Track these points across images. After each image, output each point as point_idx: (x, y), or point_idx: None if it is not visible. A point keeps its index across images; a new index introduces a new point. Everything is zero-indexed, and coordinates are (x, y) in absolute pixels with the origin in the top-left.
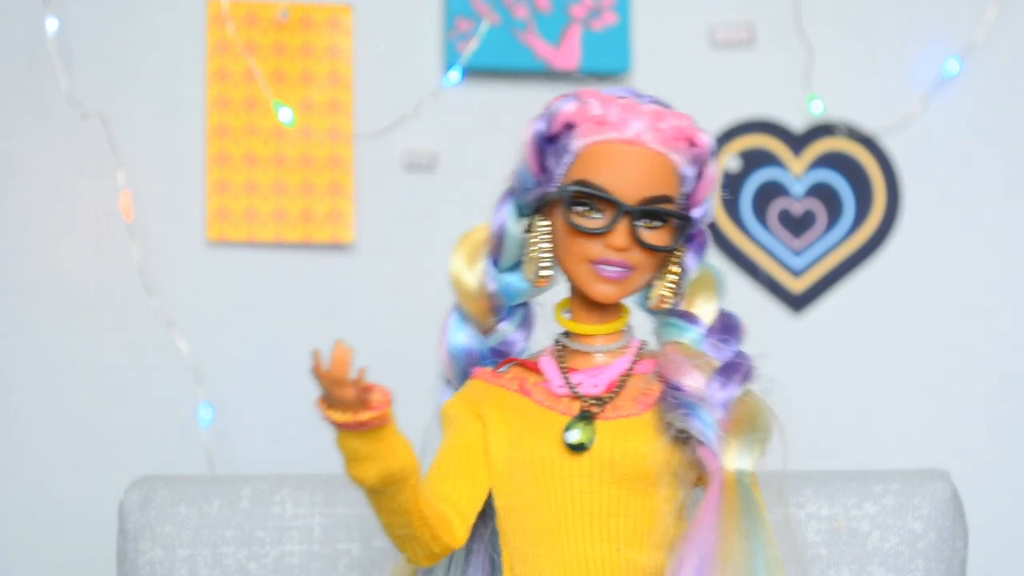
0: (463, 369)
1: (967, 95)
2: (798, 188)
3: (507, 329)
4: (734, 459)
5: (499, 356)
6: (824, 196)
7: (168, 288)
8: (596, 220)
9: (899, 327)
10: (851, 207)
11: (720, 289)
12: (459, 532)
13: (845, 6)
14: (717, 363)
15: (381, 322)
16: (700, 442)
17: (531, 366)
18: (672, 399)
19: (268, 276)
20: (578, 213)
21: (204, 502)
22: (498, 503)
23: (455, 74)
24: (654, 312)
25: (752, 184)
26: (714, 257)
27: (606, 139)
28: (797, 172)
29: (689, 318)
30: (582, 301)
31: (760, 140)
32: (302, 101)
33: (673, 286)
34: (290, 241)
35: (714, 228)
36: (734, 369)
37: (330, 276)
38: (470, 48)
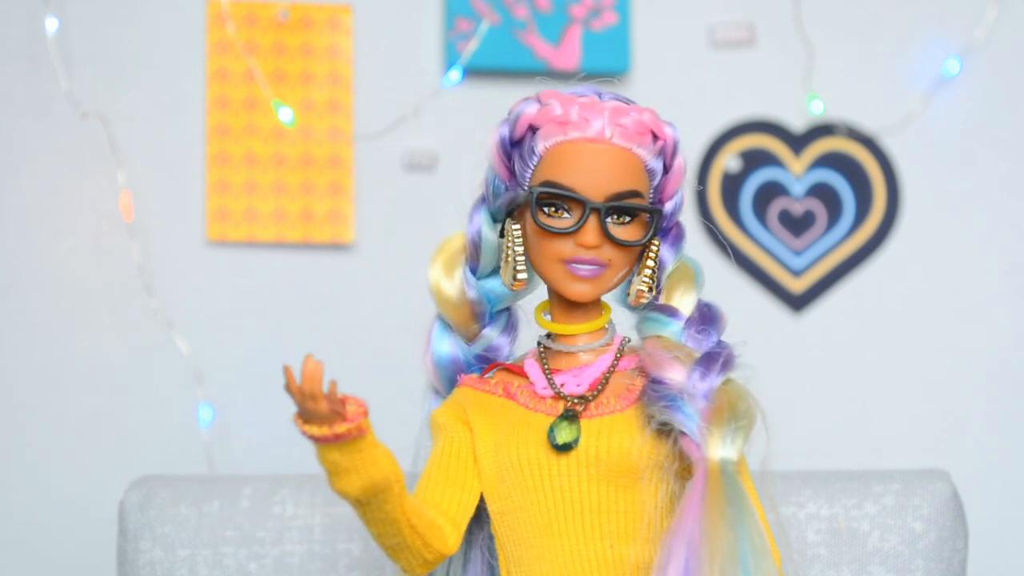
0: (450, 377)
1: (967, 95)
2: (798, 188)
3: (491, 335)
4: (717, 448)
5: (485, 362)
6: (824, 196)
7: (168, 288)
8: (565, 220)
9: (899, 327)
10: (851, 207)
11: (698, 281)
12: (451, 539)
13: (845, 6)
14: (697, 354)
15: (381, 322)
16: (683, 434)
17: (516, 370)
18: (653, 392)
19: (268, 276)
20: (547, 214)
21: (204, 502)
22: (490, 508)
23: (455, 74)
24: (634, 308)
25: (752, 184)
26: (714, 257)
27: (569, 139)
28: (797, 172)
29: (668, 311)
30: (561, 302)
31: (760, 140)
32: (302, 101)
33: (649, 280)
34: (290, 241)
35: (714, 228)
36: (713, 359)
37: (330, 276)
38: (470, 48)
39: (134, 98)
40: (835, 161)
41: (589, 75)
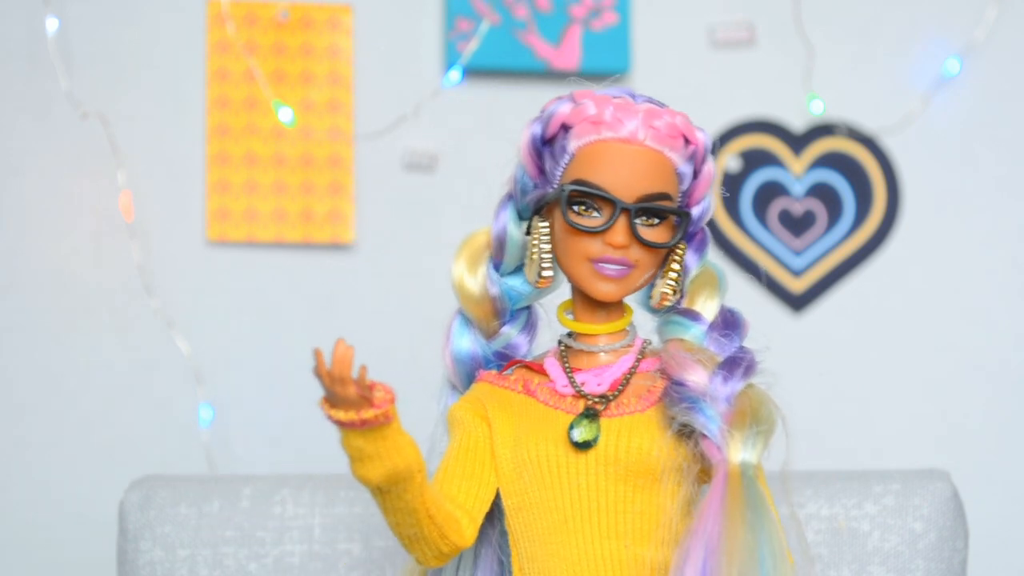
0: (468, 373)
1: (967, 95)
2: (798, 188)
3: (511, 332)
4: (738, 452)
5: (503, 359)
6: (824, 196)
7: (168, 288)
8: (595, 219)
9: (899, 327)
10: (851, 207)
11: (721, 286)
12: (467, 532)
13: (845, 6)
14: (719, 358)
15: (381, 322)
16: (704, 436)
17: (536, 367)
18: (675, 394)
19: (268, 276)
20: (576, 212)
21: (204, 502)
22: (506, 503)
23: (455, 74)
24: (656, 311)
25: (752, 184)
26: (714, 257)
27: (603, 138)
28: (797, 172)
29: (691, 315)
30: (584, 301)
31: (760, 140)
32: (302, 101)
33: (674, 284)
34: (290, 241)
35: (714, 228)
36: (736, 363)
37: (330, 276)
38: (470, 48)
39: (134, 98)
40: (835, 161)
41: (589, 75)
